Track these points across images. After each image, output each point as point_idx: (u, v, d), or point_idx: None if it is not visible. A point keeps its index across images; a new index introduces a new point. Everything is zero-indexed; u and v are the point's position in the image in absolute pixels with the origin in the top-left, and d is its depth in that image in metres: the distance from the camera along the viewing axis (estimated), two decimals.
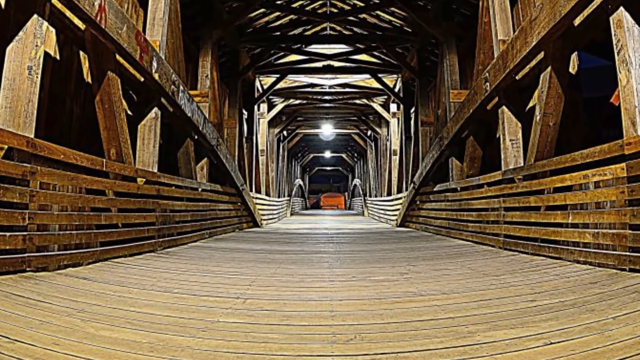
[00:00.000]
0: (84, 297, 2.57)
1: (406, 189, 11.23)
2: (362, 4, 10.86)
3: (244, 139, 11.81)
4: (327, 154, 33.09)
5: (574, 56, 5.42)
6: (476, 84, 6.03)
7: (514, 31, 5.26)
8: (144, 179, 4.95)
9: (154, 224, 5.03)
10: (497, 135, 6.07)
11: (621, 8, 3.23)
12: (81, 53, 5.17)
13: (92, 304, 2.44)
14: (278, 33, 11.39)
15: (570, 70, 5.02)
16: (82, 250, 3.66)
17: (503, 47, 5.20)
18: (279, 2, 10.54)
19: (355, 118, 19.52)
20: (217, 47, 9.20)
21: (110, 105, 4.52)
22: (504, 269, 3.74)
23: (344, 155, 33.86)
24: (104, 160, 4.17)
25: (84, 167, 3.81)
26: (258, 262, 4.49)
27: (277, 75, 13.35)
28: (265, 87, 14.00)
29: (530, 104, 5.77)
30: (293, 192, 25.22)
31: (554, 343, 1.82)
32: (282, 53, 12.82)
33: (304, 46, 12.55)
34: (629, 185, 3.13)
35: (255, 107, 13.39)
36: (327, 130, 21.50)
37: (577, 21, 4.19)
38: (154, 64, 5.06)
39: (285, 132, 21.37)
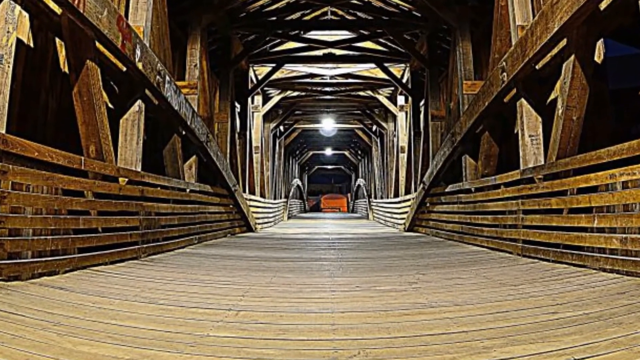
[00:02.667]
0: (61, 309, 2.57)
1: (415, 190, 11.23)
2: None
3: (237, 135, 11.81)
4: (328, 152, 33.10)
5: (599, 43, 5.41)
6: (492, 74, 6.03)
7: (534, 16, 5.26)
8: (127, 179, 4.95)
9: (137, 229, 5.03)
10: (515, 131, 6.07)
11: None
12: (57, 40, 5.16)
13: (70, 316, 2.44)
14: (274, 18, 11.38)
15: (596, 59, 5.02)
16: (59, 257, 3.66)
17: (522, 34, 5.20)
18: None
19: (359, 112, 19.52)
20: (206, 33, 9.20)
21: (90, 98, 4.52)
22: (523, 277, 3.74)
23: (346, 153, 33.88)
24: (83, 158, 4.17)
25: (60, 166, 3.81)
26: (252, 270, 4.50)
27: (273, 65, 13.34)
28: (259, 77, 14.00)
29: (552, 97, 5.77)
30: (290, 194, 25.22)
31: (578, 359, 1.82)
32: (279, 40, 12.80)
33: (302, 32, 12.54)
34: None
35: (249, 99, 13.39)
36: (328, 125, 21.49)
37: (603, 5, 4.19)
38: (137, 52, 5.06)
39: (282, 127, 21.37)
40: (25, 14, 4.54)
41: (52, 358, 1.84)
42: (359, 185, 29.76)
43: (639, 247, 3.29)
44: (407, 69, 13.42)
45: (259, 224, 12.30)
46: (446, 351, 2.00)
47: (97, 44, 4.62)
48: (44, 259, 3.48)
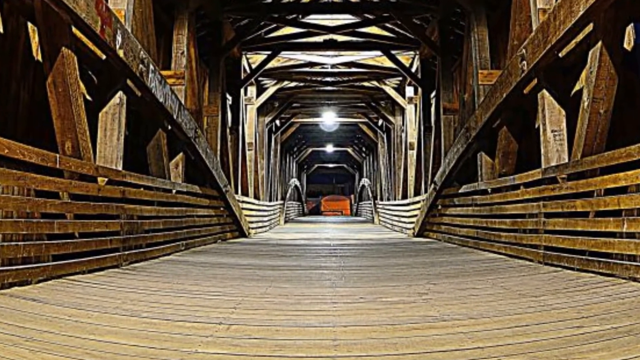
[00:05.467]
0: (33, 323, 2.58)
1: (425, 191, 11.23)
2: None
3: (228, 130, 11.81)
4: (329, 148, 33.10)
5: (629, 29, 5.40)
6: (510, 62, 6.03)
7: None
8: (106, 179, 4.95)
9: (118, 234, 5.03)
10: (536, 126, 6.07)
11: None
12: (30, 25, 5.16)
13: (43, 330, 2.44)
14: (269, 0, 11.37)
15: (625, 45, 5.01)
16: (31, 265, 3.66)
17: (543, 18, 5.20)
18: None
19: (363, 104, 19.52)
20: (194, 17, 9.20)
21: (65, 89, 4.52)
22: (544, 288, 3.75)
23: (349, 150, 33.87)
24: (58, 155, 4.17)
25: (33, 164, 3.81)
26: (245, 279, 4.50)
27: (269, 52, 13.34)
28: (253, 66, 14.00)
29: (577, 87, 5.77)
30: (288, 195, 25.23)
31: None
32: (275, 25, 12.80)
33: (300, 17, 12.54)
34: None
35: (242, 90, 13.40)
36: (329, 119, 21.47)
37: None
38: (118, 38, 5.06)
39: (278, 122, 21.37)
40: None
41: None
42: (363, 186, 29.78)
43: None
44: (417, 57, 13.42)
45: (252, 228, 12.30)
46: None
47: (74, 29, 4.62)
48: (14, 268, 3.48)
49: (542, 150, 5.41)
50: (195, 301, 3.42)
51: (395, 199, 17.25)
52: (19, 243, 3.56)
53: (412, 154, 14.28)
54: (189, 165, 7.91)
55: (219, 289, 3.94)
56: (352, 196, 40.66)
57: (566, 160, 5.08)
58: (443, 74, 10.85)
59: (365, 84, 17.10)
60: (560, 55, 5.30)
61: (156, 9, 7.47)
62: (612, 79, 4.48)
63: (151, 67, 5.89)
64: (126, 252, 5.15)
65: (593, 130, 4.56)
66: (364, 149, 31.62)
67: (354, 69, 15.80)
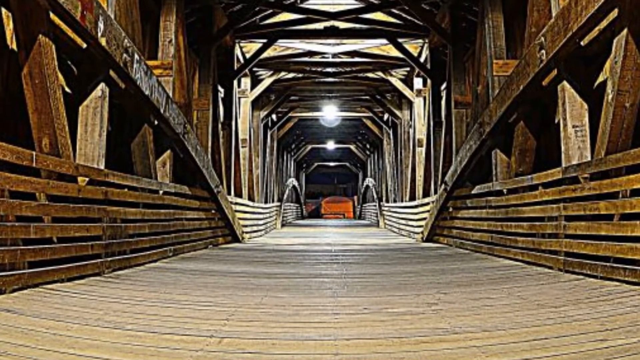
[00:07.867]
0: (7, 336, 2.58)
1: (435, 192, 11.24)
2: None
3: (220, 125, 11.81)
4: (330, 145, 33.12)
5: None
6: (528, 52, 6.03)
7: None
8: (87, 179, 4.95)
9: (100, 239, 5.03)
10: (556, 120, 6.07)
11: None
12: (3, 11, 5.16)
13: (19, 344, 2.44)
14: None
15: None
16: (5, 273, 3.66)
17: (564, 3, 5.21)
18: None
19: (367, 97, 19.52)
20: (183, 2, 9.20)
21: (42, 80, 4.52)
22: (565, 297, 3.75)
23: (352, 147, 33.90)
24: (34, 153, 4.17)
25: (6, 163, 3.81)
26: (238, 288, 4.51)
27: (264, 41, 13.34)
28: (247, 56, 14.01)
29: (600, 79, 5.77)
30: (285, 196, 25.25)
31: None
32: (271, 11, 12.81)
33: (299, 1, 12.55)
34: None
35: (235, 82, 13.40)
36: (330, 113, 21.47)
37: None
38: (100, 25, 5.06)
39: (274, 116, 21.38)
40: None
41: None
42: (367, 186, 29.79)
43: None
44: (426, 45, 13.42)
45: (246, 232, 12.31)
46: None
47: (52, 15, 4.62)
48: None
49: (563, 148, 5.41)
50: (184, 312, 3.42)
51: (402, 201, 17.25)
52: None
53: (421, 151, 14.27)
54: (177, 163, 7.91)
55: (210, 299, 3.94)
56: (355, 197, 40.68)
57: (589, 158, 5.08)
58: (454, 64, 10.85)
59: (370, 75, 17.09)
60: (582, 43, 5.30)
61: None
62: (639, 69, 4.48)
63: (136, 56, 5.89)
64: (109, 259, 5.16)
65: (618, 125, 4.56)
66: (368, 146, 31.63)
67: (357, 59, 15.80)
